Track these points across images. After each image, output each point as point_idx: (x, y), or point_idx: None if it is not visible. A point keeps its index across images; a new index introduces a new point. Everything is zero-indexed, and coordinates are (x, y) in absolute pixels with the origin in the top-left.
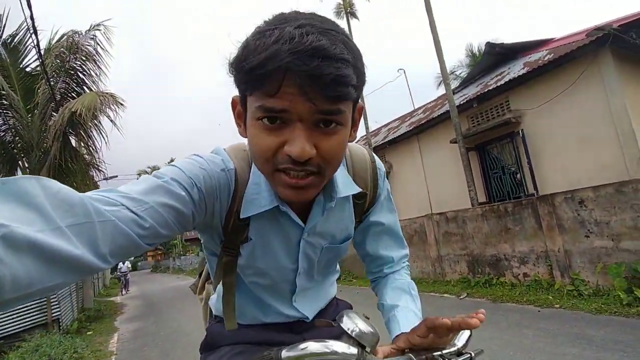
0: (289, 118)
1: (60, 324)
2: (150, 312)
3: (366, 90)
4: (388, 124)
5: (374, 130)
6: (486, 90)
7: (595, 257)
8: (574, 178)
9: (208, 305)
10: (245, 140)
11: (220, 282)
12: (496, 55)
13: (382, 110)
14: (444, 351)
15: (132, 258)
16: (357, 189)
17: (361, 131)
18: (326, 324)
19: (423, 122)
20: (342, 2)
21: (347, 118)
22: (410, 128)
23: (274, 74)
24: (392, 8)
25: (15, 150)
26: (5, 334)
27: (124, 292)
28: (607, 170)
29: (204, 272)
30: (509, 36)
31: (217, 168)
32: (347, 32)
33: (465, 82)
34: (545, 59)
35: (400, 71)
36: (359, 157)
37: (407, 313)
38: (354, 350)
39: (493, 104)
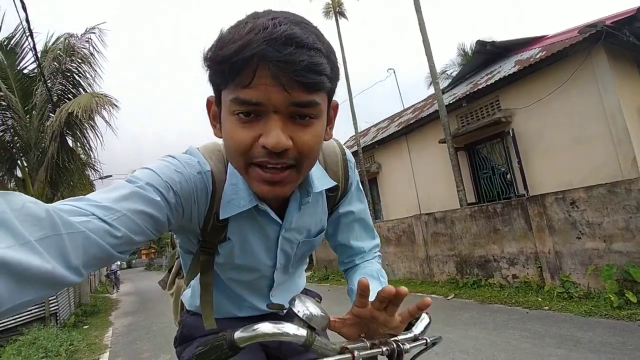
0: (264, 110)
1: (58, 318)
2: (143, 307)
3: (356, 90)
4: (377, 124)
5: (363, 131)
6: (476, 89)
7: (587, 259)
8: (565, 179)
9: (179, 300)
10: (219, 140)
11: (196, 280)
12: (487, 54)
13: (373, 111)
14: (400, 337)
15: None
16: (332, 183)
17: (350, 131)
18: (277, 307)
19: (412, 121)
20: (330, 2)
21: (322, 111)
22: (399, 128)
23: (248, 63)
24: (382, 8)
25: (14, 150)
26: (3, 328)
27: (114, 290)
28: (600, 171)
29: (174, 268)
30: (502, 34)
31: (194, 171)
32: (320, 30)
33: (455, 82)
34: (537, 56)
35: (390, 71)
36: (330, 150)
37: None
38: (303, 331)
39: (483, 103)
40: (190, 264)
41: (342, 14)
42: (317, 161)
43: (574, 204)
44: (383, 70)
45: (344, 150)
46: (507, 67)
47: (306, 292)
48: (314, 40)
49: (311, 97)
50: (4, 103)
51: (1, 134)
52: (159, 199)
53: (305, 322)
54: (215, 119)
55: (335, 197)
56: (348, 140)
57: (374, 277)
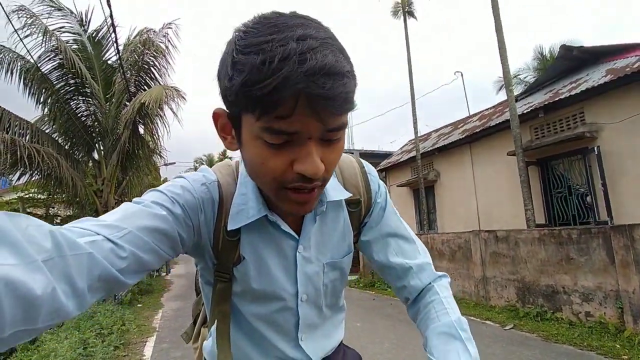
0: (299, 138)
1: (116, 295)
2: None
3: (418, 92)
4: (439, 129)
5: (423, 135)
6: (557, 98)
7: None
8: None
9: (202, 355)
10: (232, 154)
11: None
12: (572, 60)
13: (435, 114)
14: None
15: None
16: (347, 194)
17: (409, 135)
18: None
19: (478, 130)
20: (400, 1)
21: (346, 125)
22: (463, 136)
23: (288, 99)
24: (454, 8)
25: (93, 135)
26: None
27: (164, 273)
28: None
29: (200, 317)
30: (586, 39)
31: (198, 183)
32: (337, 37)
33: (531, 89)
34: (635, 66)
35: (457, 74)
36: (346, 164)
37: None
38: None
39: (564, 114)
40: (211, 299)
41: (411, 14)
42: (334, 175)
43: None
44: (449, 72)
45: (362, 163)
46: (597, 76)
47: (344, 348)
48: (343, 64)
49: (341, 121)
50: (88, 91)
51: (84, 119)
52: (164, 212)
53: None
54: (226, 132)
55: (359, 212)
56: (407, 144)
57: (453, 336)
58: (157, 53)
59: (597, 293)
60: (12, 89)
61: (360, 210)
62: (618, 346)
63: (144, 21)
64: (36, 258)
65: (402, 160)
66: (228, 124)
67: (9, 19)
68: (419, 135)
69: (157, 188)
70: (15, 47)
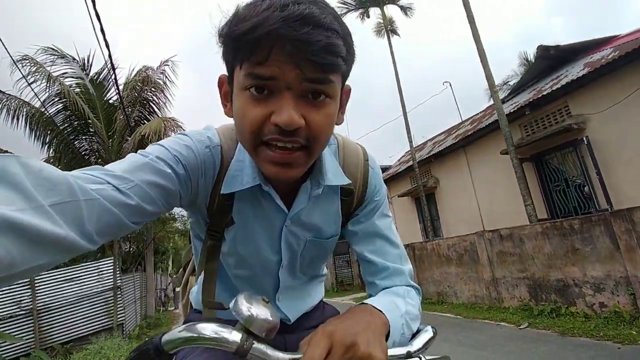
0: (277, 87)
1: (124, 329)
2: None
3: (410, 104)
4: (434, 137)
5: (419, 145)
6: (540, 95)
7: None
8: None
9: (189, 298)
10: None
11: (203, 270)
12: (551, 59)
13: (431, 125)
14: (389, 353)
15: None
16: (346, 180)
17: (404, 146)
18: (217, 305)
19: (470, 133)
20: (382, 21)
21: (336, 91)
22: (456, 140)
23: (264, 41)
24: (437, 21)
25: None
26: (75, 336)
27: (172, 307)
28: None
29: (189, 264)
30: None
31: (202, 145)
32: (337, 12)
33: (516, 90)
34: (610, 57)
35: (446, 84)
36: (352, 151)
37: (383, 296)
38: (236, 335)
39: (550, 110)
40: (200, 253)
41: (394, 32)
42: (335, 157)
43: None
44: (439, 83)
45: (367, 156)
46: (575, 71)
47: (323, 305)
48: (331, 21)
49: (325, 74)
50: (92, 130)
51: (87, 157)
52: (169, 171)
53: (242, 326)
54: (227, 98)
55: (349, 202)
56: (404, 155)
57: (398, 294)
58: (155, 89)
59: (608, 282)
60: (17, 134)
61: (351, 201)
62: (634, 332)
63: (146, 46)
64: (42, 203)
65: (400, 170)
66: (228, 90)
67: (17, 67)
68: (415, 145)
69: (161, 143)
70: (21, 93)
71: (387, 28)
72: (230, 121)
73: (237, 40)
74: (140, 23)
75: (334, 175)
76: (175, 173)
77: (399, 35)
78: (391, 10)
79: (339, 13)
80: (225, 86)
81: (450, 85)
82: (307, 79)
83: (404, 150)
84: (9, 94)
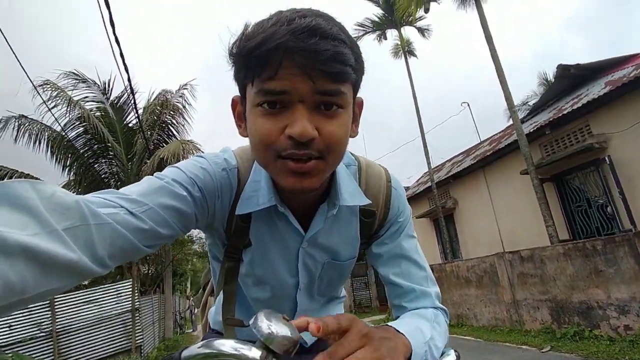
0: (289, 100)
1: (142, 351)
2: None
3: (428, 125)
4: (452, 158)
5: (438, 166)
6: (560, 114)
7: None
8: None
9: (208, 321)
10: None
11: (221, 291)
12: (571, 78)
13: (450, 147)
14: None
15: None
16: (365, 201)
17: (423, 167)
18: (237, 322)
19: (489, 153)
20: (399, 43)
21: (348, 102)
22: (475, 161)
23: (273, 54)
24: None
25: None
26: (94, 358)
27: (190, 330)
28: None
29: (208, 285)
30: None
31: (219, 168)
32: (344, 25)
33: (536, 109)
34: (632, 75)
35: (464, 104)
36: (374, 173)
37: (408, 319)
38: (256, 352)
39: (570, 129)
40: (219, 274)
41: (412, 53)
42: (357, 180)
43: None
44: (458, 104)
45: (390, 177)
46: (596, 90)
47: None
48: (337, 32)
49: (336, 86)
50: (111, 153)
51: (107, 180)
52: (185, 194)
53: (262, 343)
54: (240, 118)
55: (371, 224)
56: (422, 176)
57: (425, 317)
58: (174, 112)
59: (633, 304)
60: (39, 157)
61: (373, 223)
62: None
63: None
64: (56, 227)
65: (418, 191)
66: (242, 111)
67: (38, 92)
68: (433, 166)
69: (178, 165)
70: (42, 117)
71: (405, 49)
72: (247, 142)
73: (247, 56)
74: (160, 46)
75: (351, 195)
76: (191, 195)
77: (416, 56)
78: (408, 31)
79: (356, 36)
80: (239, 107)
81: (469, 105)
82: (319, 91)
83: (422, 171)
84: (32, 119)
